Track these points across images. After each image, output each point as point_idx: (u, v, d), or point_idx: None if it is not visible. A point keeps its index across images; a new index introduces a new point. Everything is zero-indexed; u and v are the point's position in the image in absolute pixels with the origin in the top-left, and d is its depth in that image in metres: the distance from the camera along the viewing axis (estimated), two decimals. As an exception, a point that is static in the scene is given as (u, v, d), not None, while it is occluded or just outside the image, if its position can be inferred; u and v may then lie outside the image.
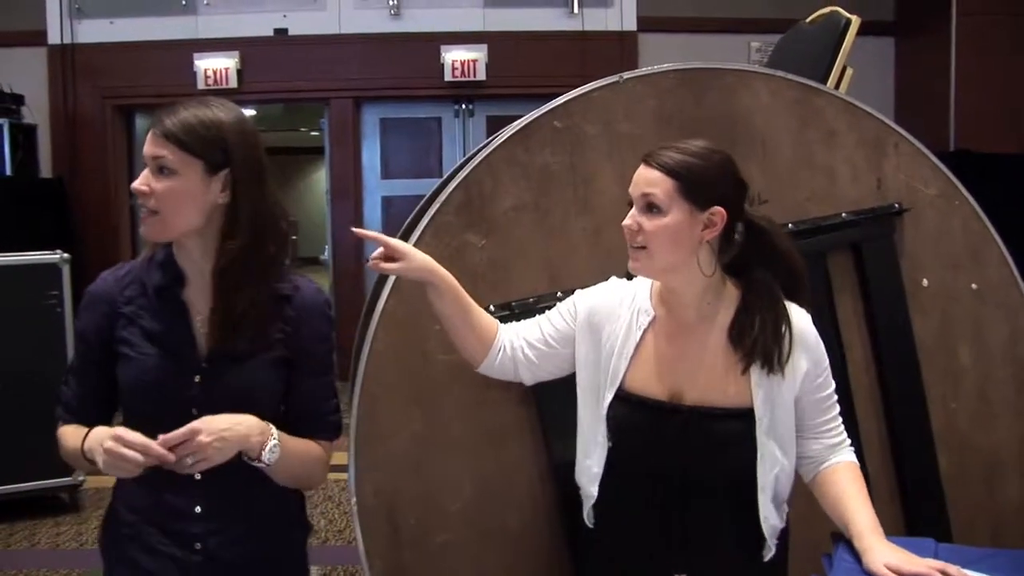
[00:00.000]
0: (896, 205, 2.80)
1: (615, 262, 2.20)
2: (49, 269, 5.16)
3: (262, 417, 1.80)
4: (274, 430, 1.80)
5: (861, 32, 3.19)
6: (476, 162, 2.58)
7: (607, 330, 2.03)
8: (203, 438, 1.69)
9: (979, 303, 2.86)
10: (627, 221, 1.92)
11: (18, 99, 7.21)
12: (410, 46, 7.84)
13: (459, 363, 2.23)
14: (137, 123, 8.33)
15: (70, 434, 1.87)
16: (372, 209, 8.23)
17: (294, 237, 2.01)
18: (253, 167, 1.84)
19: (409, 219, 3.27)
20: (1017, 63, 7.24)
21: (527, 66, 7.74)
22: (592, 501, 2.05)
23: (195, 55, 7.80)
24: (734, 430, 1.93)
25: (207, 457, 1.70)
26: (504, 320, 2.19)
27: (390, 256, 1.95)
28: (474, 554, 2.56)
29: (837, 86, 3.08)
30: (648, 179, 1.89)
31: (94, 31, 7.78)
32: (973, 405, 2.86)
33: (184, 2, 7.82)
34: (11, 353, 5.03)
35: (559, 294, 2.44)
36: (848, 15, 3.19)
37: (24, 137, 7.13)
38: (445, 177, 3.24)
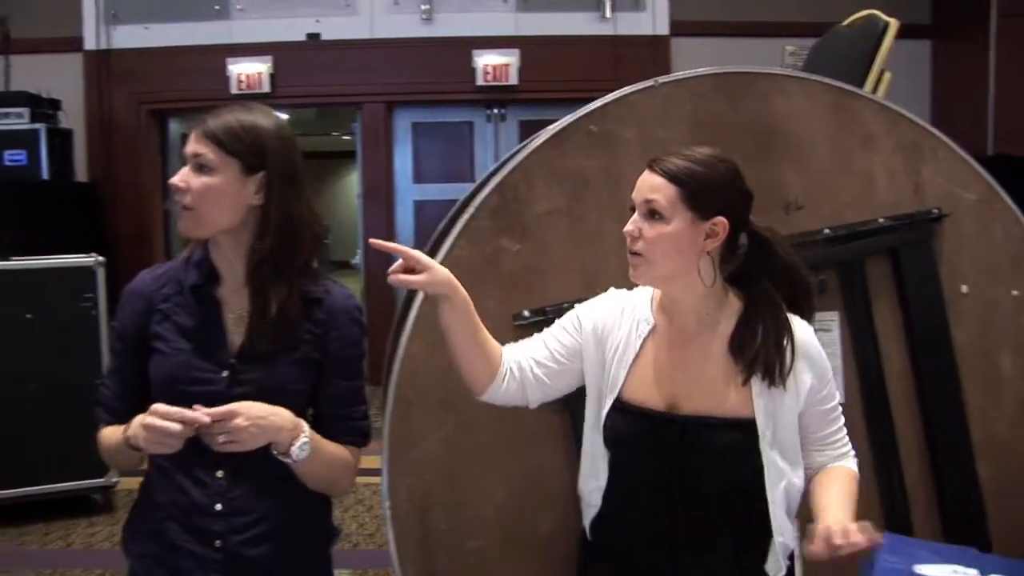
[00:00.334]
0: (935, 210, 2.77)
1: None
2: (84, 272, 5.21)
3: None
4: (306, 428, 1.83)
5: (896, 35, 3.15)
6: (511, 166, 2.57)
7: (611, 341, 2.00)
8: (240, 421, 1.72)
9: (1020, 310, 2.82)
10: (628, 227, 1.89)
11: (55, 104, 7.27)
12: (442, 50, 7.85)
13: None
14: (171, 127, 8.38)
15: (110, 433, 1.91)
16: (404, 213, 8.24)
17: (326, 241, 2.01)
18: (288, 172, 1.88)
19: (443, 223, 3.27)
20: (1058, 66, 7.14)
21: (559, 70, 7.71)
22: (595, 511, 2.02)
23: (228, 60, 7.84)
24: (733, 441, 1.88)
25: (240, 440, 1.74)
26: (538, 327, 2.17)
27: (411, 268, 1.86)
28: (506, 559, 2.55)
29: (875, 90, 3.05)
30: (651, 185, 1.87)
31: (129, 37, 7.84)
32: (1014, 414, 2.82)
33: (218, 7, 7.86)
34: (46, 355, 5.09)
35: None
36: (886, 18, 3.16)
37: (60, 141, 7.18)
38: (479, 181, 3.24)
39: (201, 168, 1.83)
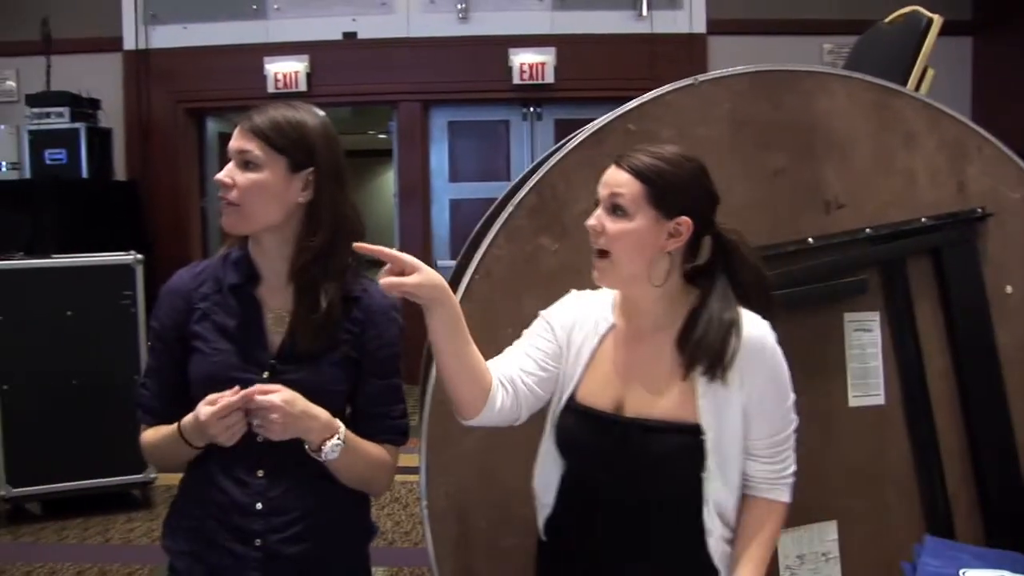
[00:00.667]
0: (979, 209, 2.73)
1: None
2: (123, 270, 5.27)
3: None
4: (342, 430, 1.83)
5: (939, 32, 3.11)
6: (549, 165, 2.56)
7: (573, 341, 1.97)
8: (276, 417, 1.73)
9: (1065, 311, 2.77)
10: (591, 221, 1.86)
11: (95, 104, 7.34)
12: (478, 49, 7.84)
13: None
14: (208, 127, 8.44)
15: (153, 433, 1.92)
16: (440, 212, 8.25)
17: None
18: (335, 169, 1.89)
19: (480, 223, 3.27)
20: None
21: (595, 69, 7.69)
22: (548, 511, 1.99)
23: (265, 59, 7.88)
24: (676, 443, 1.83)
25: (268, 430, 1.76)
26: None
27: (400, 272, 1.72)
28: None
29: (918, 87, 3.01)
30: (617, 180, 1.84)
31: (167, 36, 7.90)
32: (1059, 416, 2.77)
33: (255, 7, 7.90)
34: (86, 352, 5.15)
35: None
36: (929, 14, 3.12)
37: (100, 141, 7.25)
38: (517, 180, 3.23)
39: (247, 164, 1.83)
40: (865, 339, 2.71)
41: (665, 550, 1.87)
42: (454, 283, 2.60)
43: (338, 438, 1.81)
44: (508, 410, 1.92)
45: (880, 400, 2.72)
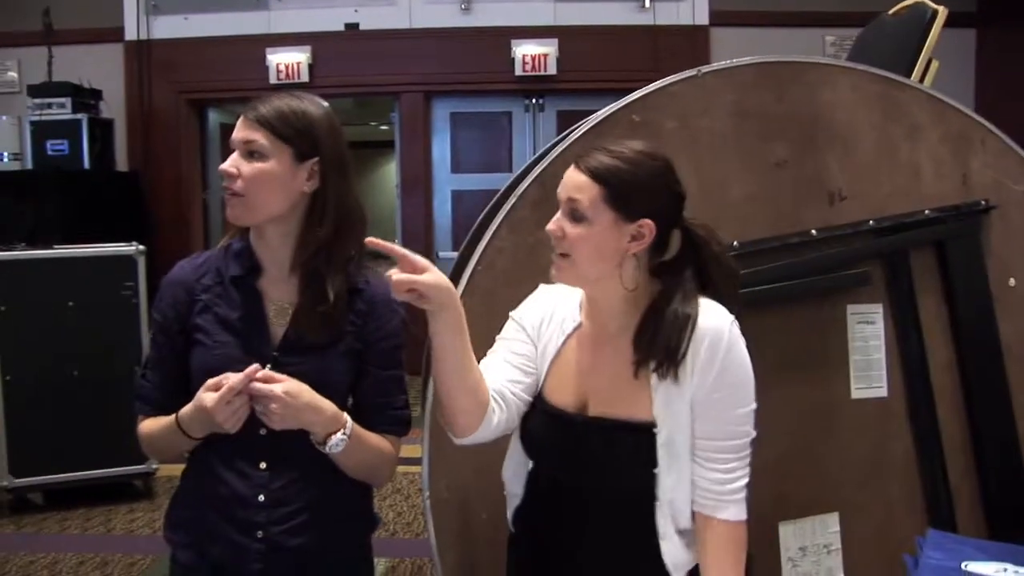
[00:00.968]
0: (983, 202, 2.73)
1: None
2: (125, 261, 5.26)
3: None
4: (348, 424, 1.81)
5: (944, 24, 3.10)
6: (552, 157, 2.55)
7: (543, 339, 1.93)
8: (275, 407, 1.72)
9: (1069, 304, 2.76)
10: (550, 226, 1.80)
11: (96, 94, 7.34)
12: (481, 40, 7.84)
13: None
14: (210, 117, 8.44)
15: (152, 423, 1.91)
16: (442, 203, 8.25)
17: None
18: (339, 159, 1.87)
19: (483, 214, 3.26)
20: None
21: (598, 60, 7.69)
22: (517, 501, 1.98)
23: (267, 50, 7.89)
24: (629, 441, 1.79)
25: (269, 420, 1.75)
26: None
27: (410, 271, 1.67)
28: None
29: (922, 80, 3.00)
30: (575, 183, 1.77)
31: (169, 27, 7.91)
32: (1062, 410, 2.76)
33: (256, -3, 7.91)
34: (88, 343, 5.15)
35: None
36: (934, 5, 3.11)
37: (101, 131, 7.26)
38: (520, 171, 3.23)
39: (252, 154, 1.82)
40: (868, 331, 2.71)
41: (621, 548, 1.84)
42: (456, 275, 2.60)
43: (343, 432, 1.80)
44: (503, 425, 1.88)
45: (883, 392, 2.72)
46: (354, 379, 1.92)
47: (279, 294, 1.89)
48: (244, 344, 1.86)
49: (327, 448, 1.79)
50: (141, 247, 5.29)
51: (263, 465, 1.85)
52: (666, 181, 1.80)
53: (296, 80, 7.76)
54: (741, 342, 1.78)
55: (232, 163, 1.83)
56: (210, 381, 1.74)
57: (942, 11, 3.07)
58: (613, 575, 1.85)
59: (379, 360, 1.92)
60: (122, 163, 7.78)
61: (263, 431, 1.80)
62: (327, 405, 1.79)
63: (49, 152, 6.98)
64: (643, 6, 7.79)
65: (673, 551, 1.79)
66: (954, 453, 2.75)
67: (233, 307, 1.89)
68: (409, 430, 1.99)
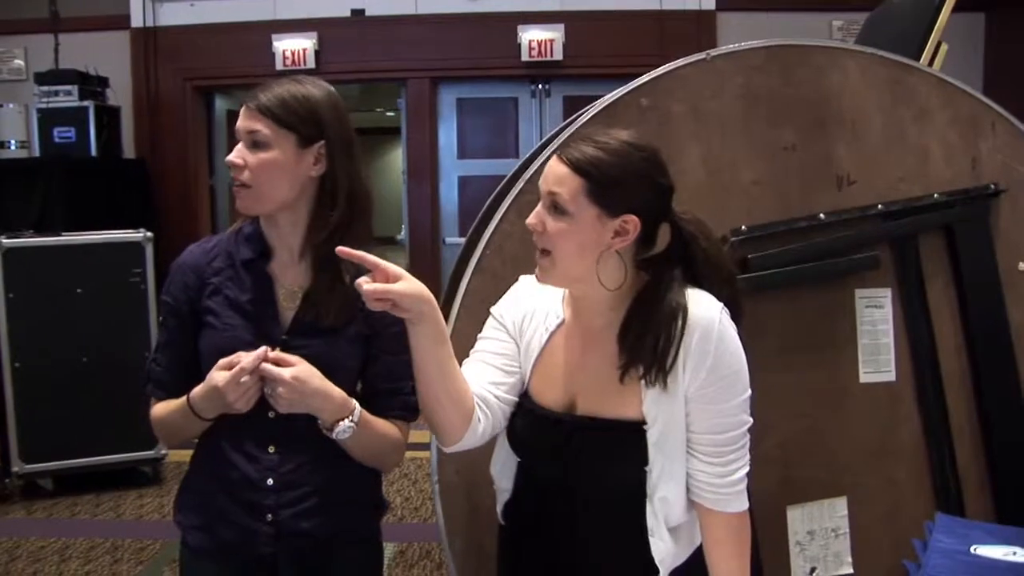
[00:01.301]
0: (992, 186, 2.72)
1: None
2: (133, 247, 5.29)
3: None
4: (357, 411, 1.81)
5: (953, 7, 3.09)
6: (561, 140, 2.55)
7: (526, 334, 1.89)
8: (282, 391, 1.71)
9: (1078, 288, 2.75)
10: (530, 219, 1.73)
11: (103, 81, 7.33)
12: (487, 26, 7.81)
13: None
14: (217, 104, 8.43)
15: (163, 407, 1.91)
16: (448, 189, 8.23)
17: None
18: (345, 140, 1.87)
19: (491, 198, 3.26)
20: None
21: (604, 46, 7.65)
22: (507, 496, 1.95)
23: (273, 36, 7.85)
24: (620, 441, 1.75)
25: (276, 403, 1.74)
26: None
27: (384, 281, 1.64)
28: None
29: (931, 63, 2.99)
30: (556, 176, 1.70)
31: (175, 14, 7.89)
32: (1071, 394, 2.76)
33: (263, -17, 7.89)
34: (96, 329, 5.18)
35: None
36: (944, -11, 3.10)
37: (108, 118, 7.25)
38: (528, 155, 3.22)
39: (256, 144, 1.82)
40: (876, 315, 2.71)
41: (610, 545, 1.81)
42: (464, 258, 2.60)
43: (351, 420, 1.79)
44: (489, 432, 1.85)
45: (891, 377, 2.71)
46: (363, 364, 1.92)
47: (289, 278, 1.89)
48: (254, 326, 1.86)
49: (334, 434, 1.79)
50: (149, 234, 5.31)
51: (272, 449, 1.86)
52: (652, 173, 1.73)
53: (302, 66, 7.73)
54: (732, 330, 1.74)
55: (237, 154, 1.83)
56: (223, 360, 1.74)
57: (952, -7, 3.06)
58: (602, 571, 1.83)
59: (388, 345, 1.92)
60: (129, 150, 7.77)
61: (272, 414, 1.80)
62: (336, 392, 1.78)
63: (56, 139, 6.97)
64: (650, -9, 7.76)
65: (662, 548, 1.76)
66: (962, 437, 2.75)
67: (243, 290, 1.89)
68: (418, 415, 1.98)
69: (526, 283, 1.94)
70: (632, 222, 1.69)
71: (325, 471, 1.88)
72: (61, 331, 5.12)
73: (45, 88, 7.00)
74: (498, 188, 3.18)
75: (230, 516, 1.87)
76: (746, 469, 1.76)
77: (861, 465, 2.70)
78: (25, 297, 5.07)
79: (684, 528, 1.79)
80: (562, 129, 2.84)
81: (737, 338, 1.74)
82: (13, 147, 7.20)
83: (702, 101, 2.59)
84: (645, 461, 1.73)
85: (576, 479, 1.80)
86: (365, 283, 1.62)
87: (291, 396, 1.72)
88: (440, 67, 7.99)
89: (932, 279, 2.74)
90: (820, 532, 2.68)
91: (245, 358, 1.72)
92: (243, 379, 1.71)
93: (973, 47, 7.78)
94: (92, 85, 7.17)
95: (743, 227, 2.57)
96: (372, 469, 1.98)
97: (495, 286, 2.43)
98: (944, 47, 3.05)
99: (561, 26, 7.78)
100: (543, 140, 3.45)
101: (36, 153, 7.08)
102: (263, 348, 1.74)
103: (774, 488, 2.61)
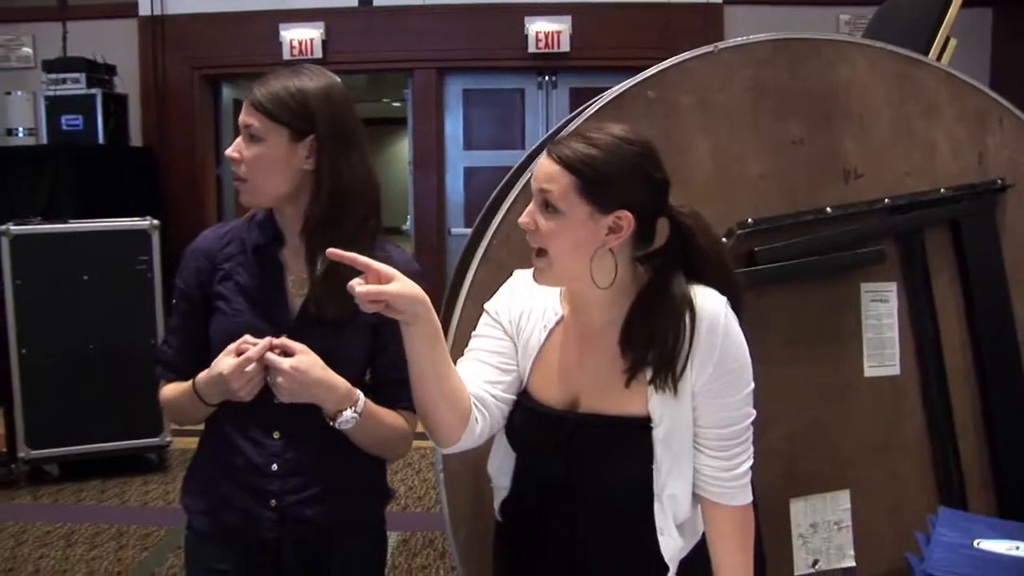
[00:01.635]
0: (999, 181, 2.72)
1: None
2: (140, 235, 5.29)
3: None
4: (360, 402, 1.80)
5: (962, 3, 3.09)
6: (568, 131, 2.55)
7: (523, 330, 1.86)
8: (281, 380, 1.70)
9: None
10: (523, 218, 1.70)
11: (111, 69, 7.35)
12: (494, 17, 7.80)
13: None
14: (224, 93, 8.44)
15: (173, 389, 1.93)
16: (454, 180, 8.23)
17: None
18: (337, 132, 1.85)
19: (497, 189, 3.26)
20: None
21: (611, 38, 7.64)
22: (505, 493, 1.94)
23: (281, 25, 7.85)
24: (624, 439, 1.72)
25: (278, 392, 1.73)
26: None
27: (376, 282, 1.61)
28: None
29: (939, 58, 2.99)
30: (547, 173, 1.66)
31: (182, 2, 7.88)
32: (1075, 390, 2.76)
33: (270, -27, 7.88)
34: (103, 316, 5.19)
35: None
36: (952, -16, 3.09)
37: (116, 106, 7.26)
38: (534, 147, 3.22)
39: (252, 138, 1.83)
40: (881, 309, 2.71)
41: (615, 543, 1.79)
42: (471, 247, 2.61)
43: (354, 410, 1.78)
44: (487, 432, 1.82)
45: (896, 371, 2.72)
46: (370, 354, 1.92)
47: (299, 266, 1.90)
48: (263, 313, 1.87)
49: (337, 424, 1.79)
50: (155, 222, 5.31)
51: (277, 435, 1.87)
52: (645, 168, 1.68)
53: (309, 56, 7.73)
54: (735, 322, 1.72)
55: (235, 148, 1.85)
56: (231, 346, 1.75)
57: (960, -11, 3.06)
58: (602, 570, 1.82)
59: (397, 335, 1.91)
60: (136, 138, 7.78)
61: (276, 400, 1.81)
62: (339, 382, 1.77)
63: (64, 127, 6.99)
64: (657, -17, 7.74)
65: (671, 545, 1.75)
66: (966, 432, 2.75)
67: (253, 276, 1.90)
68: (425, 408, 1.99)
69: (521, 278, 1.91)
70: (626, 218, 1.66)
71: (330, 459, 1.89)
72: (68, 318, 5.14)
73: (53, 76, 7.02)
74: (505, 179, 3.18)
75: (234, 501, 1.89)
76: (750, 462, 1.75)
77: (865, 459, 2.71)
78: (32, 284, 5.09)
79: (688, 522, 1.79)
80: (569, 121, 2.84)
81: (740, 331, 1.73)
82: (21, 134, 7.23)
83: (709, 94, 2.58)
84: (650, 458, 1.72)
85: (577, 477, 1.78)
86: (358, 285, 1.59)
87: (291, 386, 1.72)
88: (447, 58, 7.99)
89: (938, 274, 2.74)
90: (823, 525, 2.69)
91: (251, 348, 1.72)
92: (248, 368, 1.72)
93: (980, 42, 7.76)
94: (100, 73, 7.19)
95: (750, 220, 2.57)
96: (377, 458, 1.98)
97: (501, 276, 2.42)
98: (953, 42, 3.05)
99: (568, 18, 7.78)
100: (549, 132, 3.44)
101: (44, 141, 7.10)
102: (268, 338, 1.74)
103: (778, 481, 2.62)
